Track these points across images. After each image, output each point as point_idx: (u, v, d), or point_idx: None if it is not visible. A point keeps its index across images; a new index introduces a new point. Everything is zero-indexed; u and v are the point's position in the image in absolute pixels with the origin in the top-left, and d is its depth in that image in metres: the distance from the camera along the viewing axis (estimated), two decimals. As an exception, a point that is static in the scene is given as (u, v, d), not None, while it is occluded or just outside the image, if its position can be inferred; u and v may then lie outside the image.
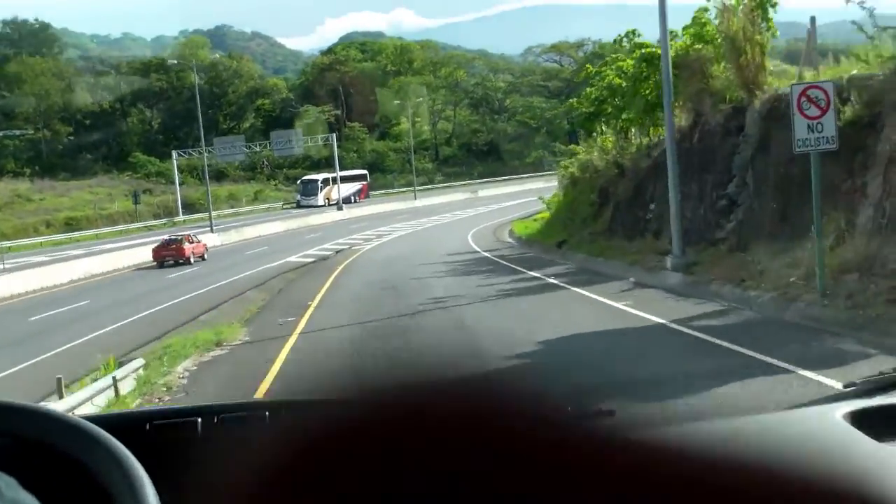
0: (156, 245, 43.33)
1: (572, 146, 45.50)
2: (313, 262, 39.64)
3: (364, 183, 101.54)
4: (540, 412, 0.78)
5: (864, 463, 1.34)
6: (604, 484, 0.81)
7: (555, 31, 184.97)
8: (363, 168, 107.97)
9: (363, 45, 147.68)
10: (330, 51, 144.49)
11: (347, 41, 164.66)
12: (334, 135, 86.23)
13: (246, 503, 0.83)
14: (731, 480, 1.00)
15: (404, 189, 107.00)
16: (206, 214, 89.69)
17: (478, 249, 35.52)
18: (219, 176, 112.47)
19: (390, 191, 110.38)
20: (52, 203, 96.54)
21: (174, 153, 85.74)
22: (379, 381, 0.83)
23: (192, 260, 42.10)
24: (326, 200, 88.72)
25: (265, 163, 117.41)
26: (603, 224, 29.19)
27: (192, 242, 43.31)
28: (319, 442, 0.85)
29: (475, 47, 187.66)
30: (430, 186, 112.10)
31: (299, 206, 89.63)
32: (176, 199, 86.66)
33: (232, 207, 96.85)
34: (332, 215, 76.11)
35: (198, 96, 61.63)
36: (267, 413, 1.33)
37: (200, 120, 59.34)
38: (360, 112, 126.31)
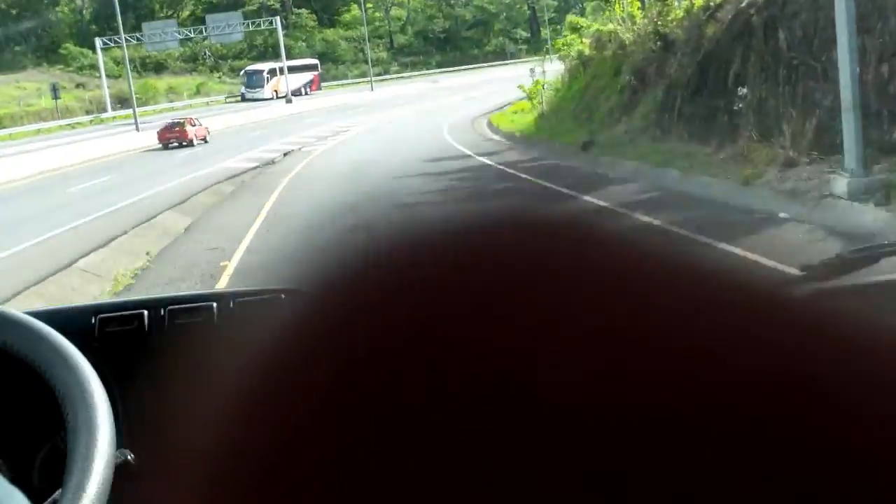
0: (160, 128, 44.41)
1: (573, 18, 36.56)
2: (255, 167, 30.91)
3: (315, 73, 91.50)
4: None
5: None
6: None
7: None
8: (313, 58, 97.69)
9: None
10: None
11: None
12: (277, 18, 75.39)
13: (192, 401, 0.87)
14: None
15: (359, 80, 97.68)
16: (144, 109, 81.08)
17: (467, 152, 26.94)
18: (157, 68, 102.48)
19: (344, 82, 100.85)
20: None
21: (97, 41, 74.76)
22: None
23: (194, 142, 42.89)
24: (274, 93, 78.97)
25: (207, 53, 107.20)
26: (643, 118, 20.81)
27: (193, 125, 44.18)
28: (274, 336, 0.67)
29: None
30: (386, 77, 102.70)
31: (244, 99, 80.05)
32: (103, 93, 76.17)
33: (171, 102, 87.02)
34: (280, 109, 66.76)
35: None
36: (215, 304, 1.21)
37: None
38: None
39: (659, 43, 21.50)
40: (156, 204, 22.62)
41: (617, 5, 26.88)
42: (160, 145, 43.24)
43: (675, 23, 21.44)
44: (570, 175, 18.04)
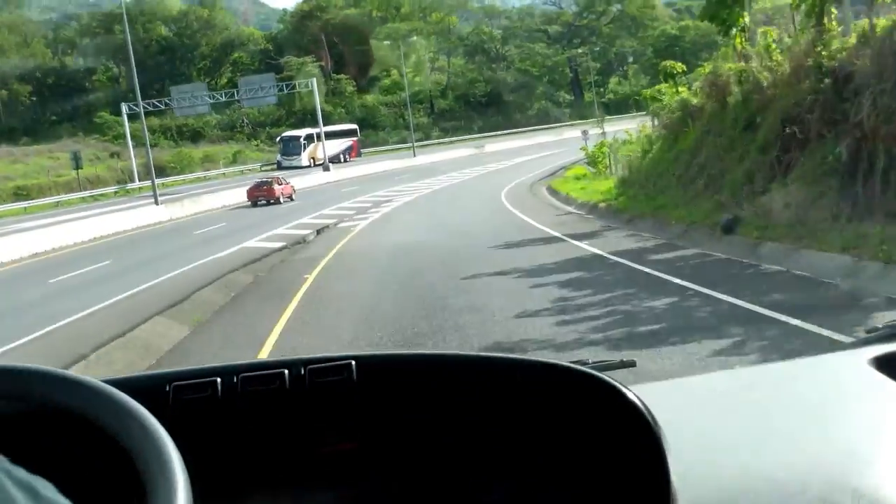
0: (249, 187, 46.36)
1: (670, 63, 30.40)
2: (281, 247, 24.86)
3: (354, 139, 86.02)
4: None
5: (892, 407, 1.31)
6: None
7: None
8: (352, 123, 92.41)
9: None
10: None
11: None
12: (314, 80, 69.53)
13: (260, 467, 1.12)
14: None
15: (399, 146, 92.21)
16: (174, 179, 75.74)
17: (550, 231, 20.78)
18: (194, 136, 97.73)
19: (383, 148, 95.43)
20: (5, 170, 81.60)
21: (123, 107, 69.46)
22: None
23: (281, 200, 44.70)
24: (311, 160, 73.46)
25: (244, 121, 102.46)
26: (811, 185, 14.44)
27: (280, 184, 45.86)
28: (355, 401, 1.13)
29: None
30: (427, 142, 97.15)
31: (280, 167, 74.52)
32: (130, 161, 70.78)
33: (207, 171, 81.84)
34: (317, 177, 61.22)
35: (126, 31, 45.39)
36: (286, 372, 1.18)
37: (132, 59, 43.24)
38: (347, 64, 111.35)
39: (826, 80, 15.21)
40: (147, 302, 16.58)
41: (738, 38, 20.73)
42: (249, 202, 45.16)
43: (844, 52, 15.19)
44: (759, 281, 11.37)
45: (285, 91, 69.49)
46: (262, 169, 77.25)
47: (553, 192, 34.51)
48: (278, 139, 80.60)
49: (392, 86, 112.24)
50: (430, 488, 1.21)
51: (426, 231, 23.91)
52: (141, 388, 1.10)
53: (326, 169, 63.46)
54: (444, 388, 1.23)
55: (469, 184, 49.44)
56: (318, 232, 29.09)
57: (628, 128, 61.03)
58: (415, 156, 73.58)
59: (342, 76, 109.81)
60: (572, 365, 1.21)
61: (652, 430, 1.11)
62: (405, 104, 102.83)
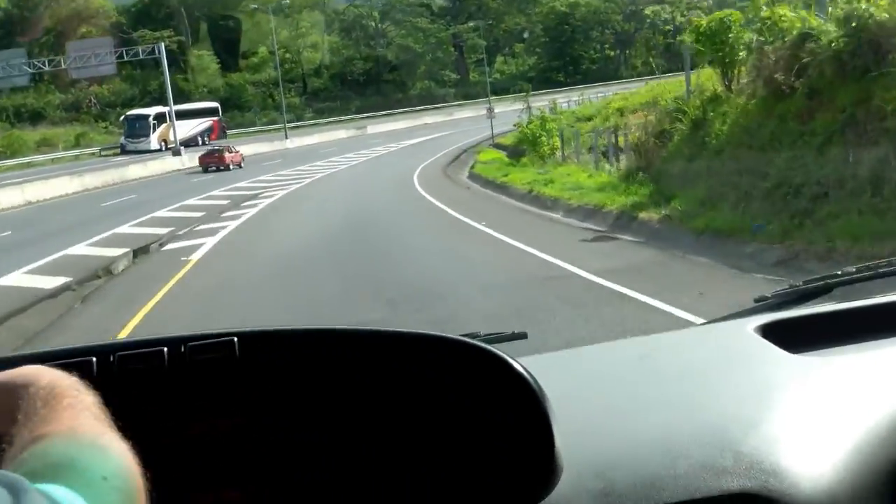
0: (200, 154, 47.27)
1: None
2: (50, 295, 12.84)
3: (215, 119, 72.39)
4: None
5: (778, 372, 1.36)
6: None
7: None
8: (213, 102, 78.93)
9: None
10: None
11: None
12: (162, 45, 55.05)
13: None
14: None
15: (269, 127, 79.47)
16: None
17: (575, 268, 9.54)
18: (34, 118, 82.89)
19: (252, 129, 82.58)
20: None
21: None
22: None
23: (230, 166, 44.65)
24: (163, 143, 59.95)
25: (92, 100, 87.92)
26: None
27: (231, 152, 46.28)
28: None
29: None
30: (300, 124, 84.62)
31: (124, 151, 60.93)
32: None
33: (43, 154, 67.42)
34: (166, 163, 48.29)
35: None
36: (165, 350, 1.15)
37: None
38: (210, 39, 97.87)
39: None
40: None
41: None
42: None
43: None
44: None
45: (126, 58, 54.98)
46: (103, 154, 63.28)
47: (498, 187, 23.36)
48: (122, 118, 66.70)
49: (261, 63, 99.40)
50: (318, 464, 1.17)
51: (323, 276, 12.28)
52: (10, 367, 1.02)
53: (177, 153, 50.34)
54: (331, 362, 1.20)
55: (361, 171, 37.83)
56: (135, 255, 16.98)
57: (556, 99, 51.04)
58: (287, 138, 61.11)
59: (204, 52, 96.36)
60: (461, 337, 1.21)
61: (538, 401, 1.12)
62: (275, 83, 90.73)
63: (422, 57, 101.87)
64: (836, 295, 1.91)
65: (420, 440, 1.16)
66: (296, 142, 63.01)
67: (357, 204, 23.11)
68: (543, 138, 29.12)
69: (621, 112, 36.43)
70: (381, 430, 1.17)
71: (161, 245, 17.97)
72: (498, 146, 45.93)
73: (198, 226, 21.13)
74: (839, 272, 2.01)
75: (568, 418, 1.15)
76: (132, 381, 1.13)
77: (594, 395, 1.42)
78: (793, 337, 1.52)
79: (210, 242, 17.60)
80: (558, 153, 27.96)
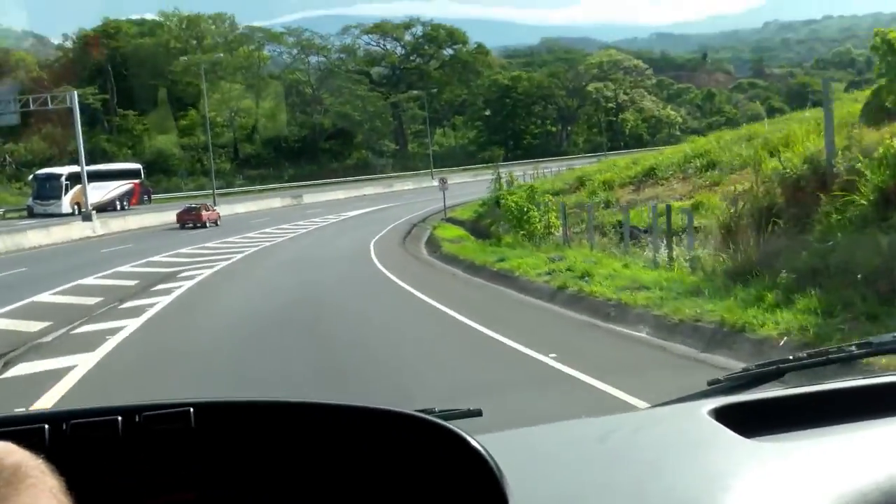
0: (178, 211, 46.99)
1: None
2: None
3: (136, 182, 65.33)
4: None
5: (732, 457, 1.35)
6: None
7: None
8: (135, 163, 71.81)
9: (141, 21, 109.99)
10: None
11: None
12: (74, 93, 47.59)
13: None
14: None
15: (196, 193, 72.64)
16: None
17: None
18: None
19: (179, 195, 75.63)
20: None
21: None
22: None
23: (207, 224, 45.08)
24: (76, 206, 52.56)
25: (6, 158, 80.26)
26: None
27: (207, 210, 47.06)
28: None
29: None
30: (230, 190, 78.02)
31: (32, 214, 53.41)
32: None
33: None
34: (73, 229, 41.18)
35: None
36: (120, 419, 1.12)
37: None
38: (137, 100, 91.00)
39: None
40: None
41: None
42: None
43: None
44: None
45: (32, 107, 47.47)
46: (7, 216, 55.56)
47: (499, 277, 17.34)
48: (31, 177, 59.21)
49: (190, 126, 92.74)
50: None
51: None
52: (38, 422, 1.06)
53: (87, 218, 43.12)
54: (287, 435, 1.17)
55: (304, 246, 31.50)
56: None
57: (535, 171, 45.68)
58: (215, 205, 54.50)
59: (129, 112, 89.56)
60: (417, 413, 1.19)
61: (496, 480, 1.10)
62: (205, 147, 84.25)
63: (360, 125, 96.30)
64: (787, 380, 1.89)
65: None
66: (225, 210, 56.39)
67: (303, 301, 16.74)
68: (534, 213, 23.18)
69: (609, 185, 30.83)
70: None
71: (5, 365, 11.13)
72: (451, 220, 40.27)
73: (80, 326, 14.46)
74: (791, 357, 1.98)
75: (524, 500, 1.12)
76: (85, 450, 1.08)
77: (550, 477, 1.36)
78: (746, 421, 1.49)
79: (85, 364, 10.91)
80: (556, 232, 22.01)
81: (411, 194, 70.59)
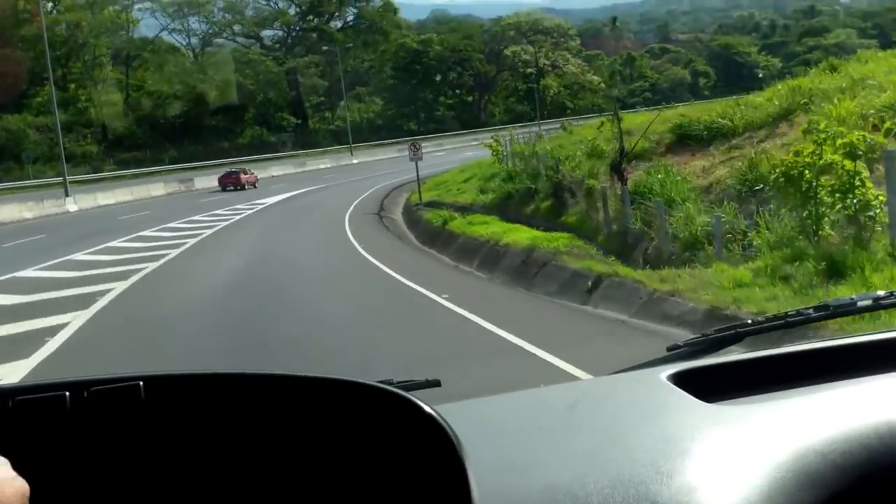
0: (220, 175, 48.21)
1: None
2: None
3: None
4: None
5: (691, 421, 1.32)
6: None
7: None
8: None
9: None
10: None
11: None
12: None
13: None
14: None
15: (45, 182, 54.26)
16: None
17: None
18: None
19: (27, 183, 57.07)
20: None
21: None
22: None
23: (246, 187, 46.12)
24: None
25: None
26: None
27: (246, 174, 48.37)
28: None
29: None
30: (96, 176, 59.47)
31: None
32: None
33: None
34: None
35: None
36: (67, 395, 1.06)
37: None
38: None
39: None
40: None
41: None
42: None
43: None
44: None
45: None
46: None
47: None
48: None
49: (46, 103, 73.01)
50: None
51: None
52: None
53: None
54: (243, 408, 1.12)
55: (234, 271, 14.67)
56: None
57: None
58: (68, 197, 36.44)
59: (-32, 85, 69.16)
60: (375, 383, 1.15)
61: (454, 449, 1.06)
62: (66, 127, 65.45)
63: (251, 97, 77.98)
64: (746, 343, 1.88)
65: (333, 489, 1.09)
66: (86, 202, 38.24)
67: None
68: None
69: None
70: (291, 478, 1.08)
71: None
72: (433, 205, 24.14)
73: None
74: (749, 321, 1.96)
75: (483, 468, 1.09)
76: (30, 423, 1.04)
77: (508, 446, 1.33)
78: (705, 385, 1.46)
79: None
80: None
81: (332, 174, 53.67)
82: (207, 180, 48.53)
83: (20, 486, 0.78)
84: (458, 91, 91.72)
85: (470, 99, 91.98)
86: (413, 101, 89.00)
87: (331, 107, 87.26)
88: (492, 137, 31.13)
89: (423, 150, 68.76)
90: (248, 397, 1.10)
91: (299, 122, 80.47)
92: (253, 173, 49.03)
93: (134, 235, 23.33)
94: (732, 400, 1.42)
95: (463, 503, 1.03)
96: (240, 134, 78.98)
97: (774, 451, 1.18)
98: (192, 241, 21.32)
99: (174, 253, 19.18)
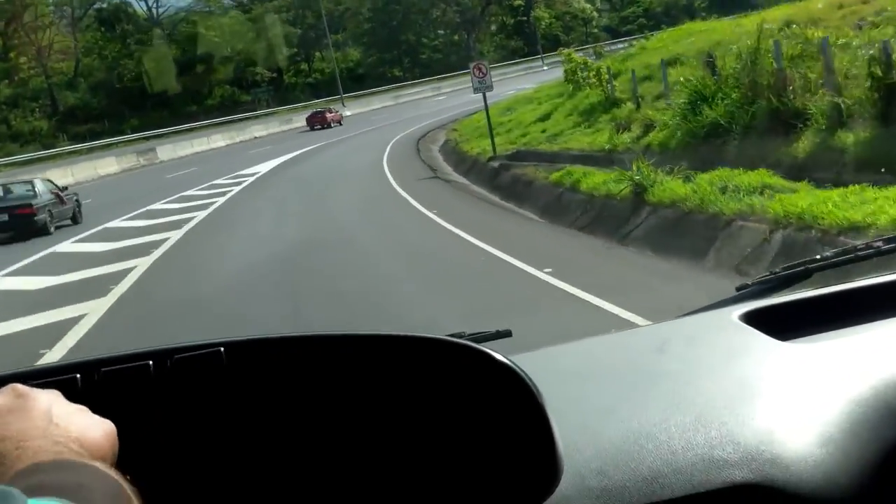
0: (307, 115, 49.78)
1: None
2: None
3: None
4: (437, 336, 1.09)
5: (766, 360, 1.29)
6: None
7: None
8: None
9: None
10: None
11: None
12: None
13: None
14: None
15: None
16: None
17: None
18: None
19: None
20: None
21: None
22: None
23: (331, 125, 47.25)
24: None
25: None
26: None
27: (331, 113, 49.86)
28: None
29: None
30: (47, 153, 49.19)
31: None
32: None
33: None
34: None
35: None
36: (151, 363, 1.05)
37: None
38: None
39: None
40: None
41: None
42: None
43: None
44: None
45: None
46: None
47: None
48: None
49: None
50: (314, 472, 1.07)
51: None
52: (70, 371, 1.02)
53: None
54: (320, 369, 1.09)
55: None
56: None
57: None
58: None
59: None
60: (448, 338, 1.12)
61: (534, 399, 1.03)
62: (9, 102, 55.70)
63: (219, 53, 66.97)
64: (816, 280, 1.78)
65: (416, 444, 1.07)
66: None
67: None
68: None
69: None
70: (376, 435, 1.07)
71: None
72: (515, 158, 14.34)
73: None
74: (818, 257, 1.86)
75: (562, 417, 1.07)
76: (117, 395, 1.03)
77: (585, 393, 1.30)
78: (778, 323, 1.41)
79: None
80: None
81: (325, 129, 43.58)
82: (173, 149, 38.06)
83: (108, 427, 0.78)
84: (443, 32, 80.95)
85: (456, 38, 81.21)
86: (395, 46, 78.32)
87: (306, 58, 76.35)
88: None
89: (421, 96, 56.85)
90: (324, 359, 1.08)
91: (274, 75, 69.57)
92: (337, 112, 50.90)
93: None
94: (805, 337, 1.36)
95: (546, 451, 1.01)
96: (209, 95, 68.19)
97: (851, 385, 1.15)
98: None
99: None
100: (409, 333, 1.08)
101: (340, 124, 47.07)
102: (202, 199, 19.24)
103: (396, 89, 67.31)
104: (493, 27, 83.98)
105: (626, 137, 13.52)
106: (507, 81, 47.58)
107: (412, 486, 1.05)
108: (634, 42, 34.40)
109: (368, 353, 1.08)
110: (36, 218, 17.69)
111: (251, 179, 23.16)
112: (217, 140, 41.80)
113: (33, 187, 18.99)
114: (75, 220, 19.21)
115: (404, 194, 15.37)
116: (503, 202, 13.51)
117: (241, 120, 56.14)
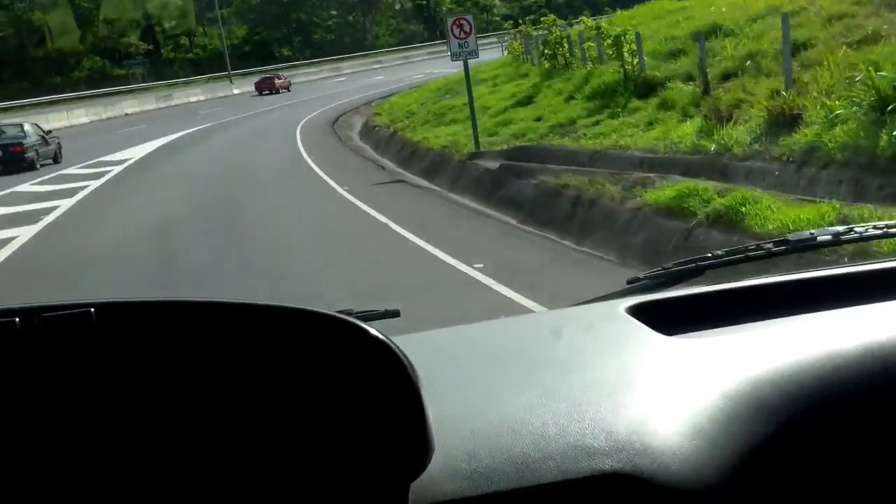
0: (256, 80, 49.42)
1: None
2: None
3: None
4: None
5: (648, 353, 1.28)
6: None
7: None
8: None
9: None
10: None
11: None
12: None
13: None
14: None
15: None
16: None
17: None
18: None
19: None
20: None
21: None
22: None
23: (279, 90, 47.23)
24: None
25: None
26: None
27: (279, 79, 49.50)
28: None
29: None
30: None
31: None
32: None
33: None
34: None
35: None
36: (17, 321, 0.98)
37: None
38: None
39: None
40: None
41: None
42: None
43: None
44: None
45: None
46: None
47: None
48: None
49: None
50: (179, 448, 1.01)
51: None
52: None
53: None
54: (197, 337, 1.03)
55: None
56: None
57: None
58: None
59: None
60: (328, 312, 1.06)
61: (407, 374, 1.01)
62: None
63: (88, 20, 58.83)
64: (706, 277, 1.80)
65: (285, 419, 1.02)
66: None
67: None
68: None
69: None
70: (243, 407, 1.01)
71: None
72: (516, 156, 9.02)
73: None
74: (710, 254, 1.87)
75: (439, 398, 1.06)
76: None
77: (466, 376, 1.30)
78: (664, 318, 1.41)
79: None
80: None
81: (210, 108, 37.15)
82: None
83: None
84: (336, 12, 74.55)
85: (351, 19, 74.95)
86: (285, 23, 71.55)
87: (187, 32, 68.62)
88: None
89: (319, 76, 49.87)
90: (198, 327, 1.02)
91: (150, 47, 61.76)
92: (285, 78, 50.47)
93: None
94: (690, 333, 1.36)
95: (416, 429, 1.00)
96: (76, 66, 59.86)
97: (728, 381, 1.16)
98: None
99: None
100: (284, 305, 1.03)
101: (289, 90, 46.54)
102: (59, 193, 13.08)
103: (290, 68, 60.72)
104: (390, 12, 78.15)
105: (737, 133, 8.26)
106: (413, 66, 42.54)
107: (278, 461, 1.01)
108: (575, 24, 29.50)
109: (243, 322, 1.02)
110: (26, 155, 20.06)
111: (122, 163, 17.04)
112: (80, 116, 34.75)
113: (23, 129, 21.34)
114: (56, 159, 21.45)
115: (382, 219, 9.68)
116: (540, 232, 8.09)
117: (111, 94, 48.57)
